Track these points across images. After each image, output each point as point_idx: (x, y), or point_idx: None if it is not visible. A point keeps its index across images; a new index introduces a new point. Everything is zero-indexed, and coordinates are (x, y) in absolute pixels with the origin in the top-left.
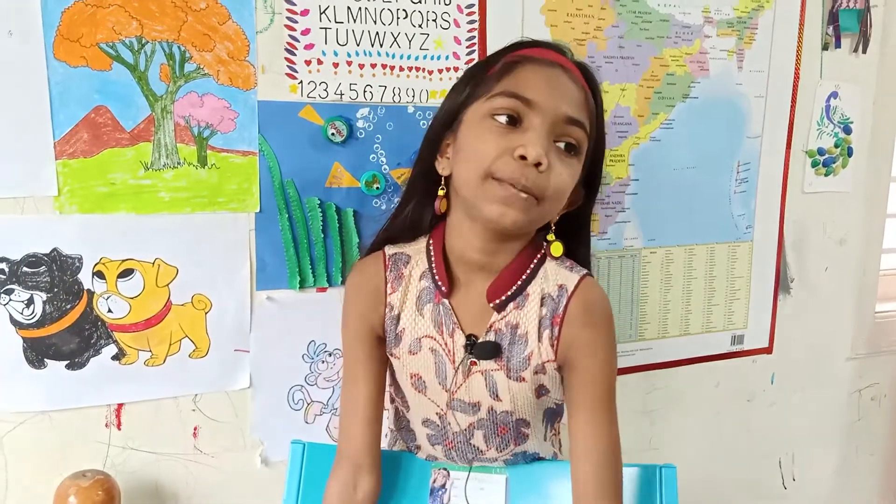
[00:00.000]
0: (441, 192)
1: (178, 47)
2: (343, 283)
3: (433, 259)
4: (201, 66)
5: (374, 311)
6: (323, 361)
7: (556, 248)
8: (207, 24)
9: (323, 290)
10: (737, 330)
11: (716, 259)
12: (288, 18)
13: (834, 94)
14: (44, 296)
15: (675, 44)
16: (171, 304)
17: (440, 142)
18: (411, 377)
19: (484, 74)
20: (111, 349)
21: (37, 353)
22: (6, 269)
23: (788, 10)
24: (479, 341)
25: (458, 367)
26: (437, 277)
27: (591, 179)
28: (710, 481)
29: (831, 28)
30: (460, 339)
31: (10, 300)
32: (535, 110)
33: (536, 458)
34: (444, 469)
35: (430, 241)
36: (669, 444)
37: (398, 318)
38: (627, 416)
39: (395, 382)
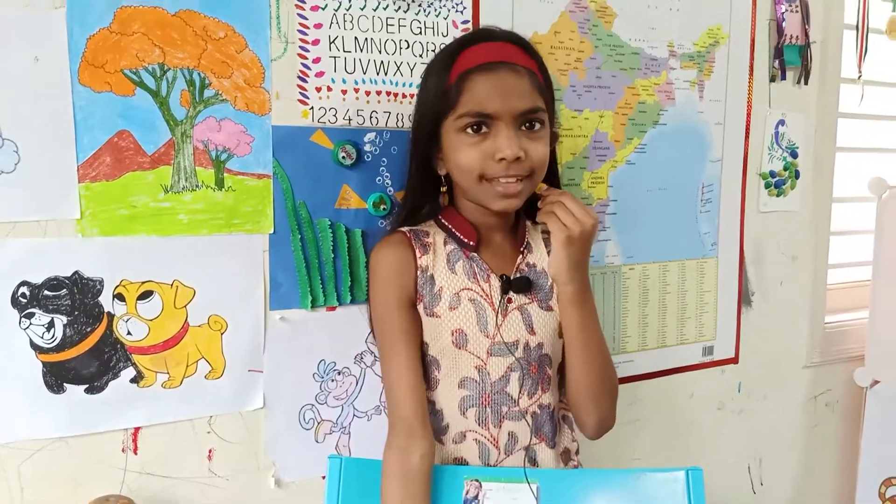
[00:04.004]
0: (443, 189)
1: (199, 74)
2: (368, 271)
3: (451, 227)
4: (220, 93)
5: (408, 275)
6: (332, 380)
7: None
8: (226, 52)
9: (332, 308)
10: (707, 342)
11: (686, 275)
12: (300, 48)
13: (781, 122)
14: (64, 319)
15: (645, 75)
16: (188, 326)
17: (430, 152)
18: (453, 334)
19: (444, 85)
20: (130, 372)
21: (56, 377)
22: (27, 293)
23: (740, 45)
24: (514, 278)
25: (498, 308)
26: (462, 236)
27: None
28: None
29: (777, 62)
30: (496, 283)
31: (31, 324)
32: (497, 118)
33: (551, 415)
34: (477, 480)
35: (441, 219)
36: (650, 454)
37: (432, 278)
38: (614, 428)
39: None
